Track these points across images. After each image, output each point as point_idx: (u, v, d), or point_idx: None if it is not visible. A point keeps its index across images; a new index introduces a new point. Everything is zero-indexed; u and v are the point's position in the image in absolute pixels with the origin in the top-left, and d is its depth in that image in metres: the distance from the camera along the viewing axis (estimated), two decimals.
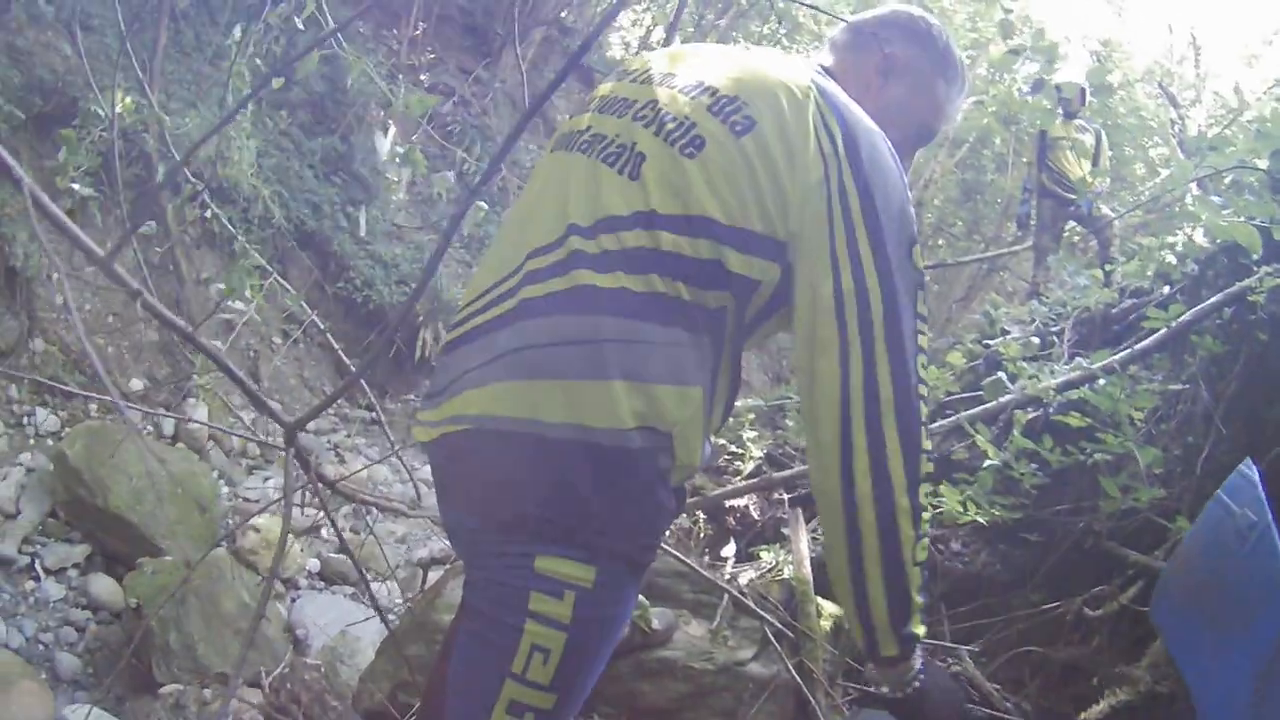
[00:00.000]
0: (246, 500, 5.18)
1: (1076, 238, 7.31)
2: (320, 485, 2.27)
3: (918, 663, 1.34)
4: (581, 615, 1.19)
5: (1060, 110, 6.39)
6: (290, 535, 4.61)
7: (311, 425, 6.17)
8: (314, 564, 4.94)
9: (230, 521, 4.83)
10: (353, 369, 3.19)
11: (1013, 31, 4.69)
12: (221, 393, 5.27)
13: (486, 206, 2.91)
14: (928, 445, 1.27)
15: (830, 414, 1.24)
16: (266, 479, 5.50)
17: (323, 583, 4.86)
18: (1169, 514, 2.41)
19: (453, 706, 1.28)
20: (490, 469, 1.25)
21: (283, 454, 2.17)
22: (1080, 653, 2.60)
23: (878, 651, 1.32)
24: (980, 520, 2.63)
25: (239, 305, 2.53)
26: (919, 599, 1.28)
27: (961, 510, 2.65)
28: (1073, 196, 6.08)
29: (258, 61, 3.80)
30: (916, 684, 1.35)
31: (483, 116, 9.09)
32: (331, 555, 5.00)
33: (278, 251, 6.35)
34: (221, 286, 2.46)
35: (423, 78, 8.43)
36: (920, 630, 1.31)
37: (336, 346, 2.88)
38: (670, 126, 1.32)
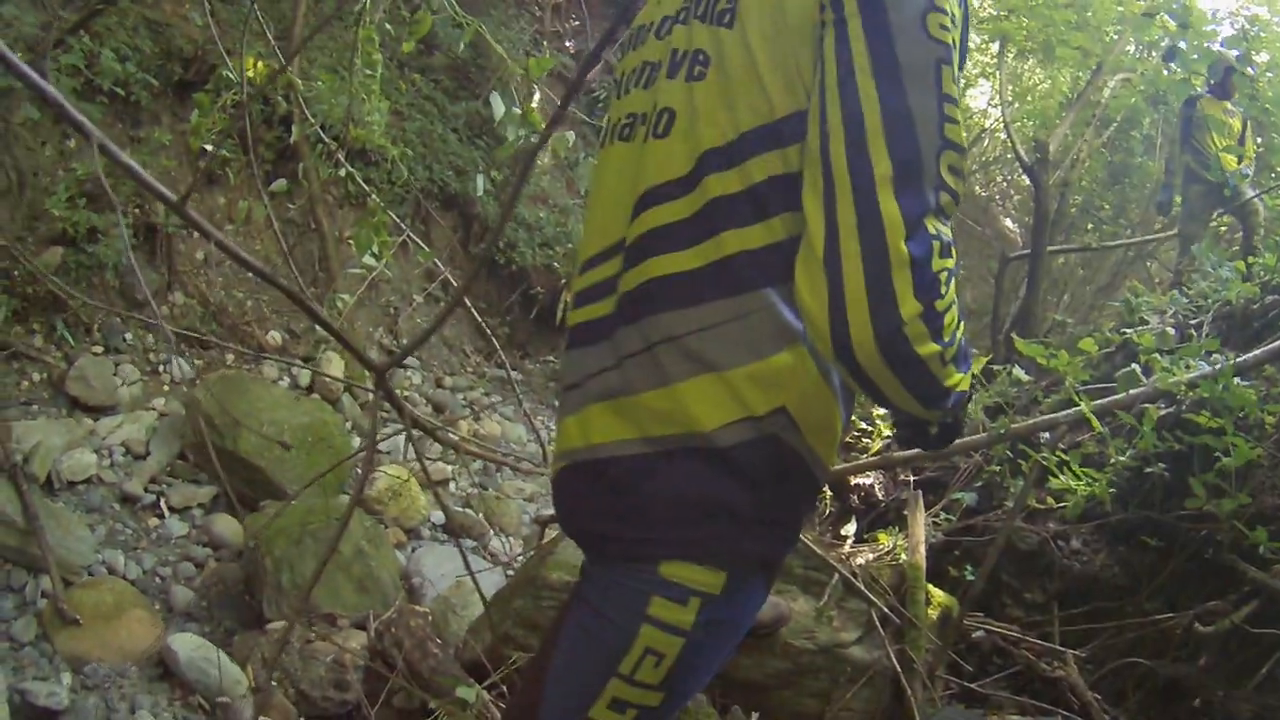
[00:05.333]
0: (378, 451, 5.18)
1: (1224, 227, 6.90)
2: (411, 422, 2.30)
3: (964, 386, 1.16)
4: (704, 620, 1.15)
5: (1206, 89, 6.00)
6: (419, 485, 4.78)
7: (449, 382, 6.33)
8: (438, 516, 5.03)
9: (358, 471, 4.91)
10: (487, 329, 3.20)
11: None
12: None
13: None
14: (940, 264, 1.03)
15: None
16: (399, 430, 5.50)
17: (445, 535, 4.95)
18: None
19: (550, 695, 1.26)
20: (591, 501, 1.22)
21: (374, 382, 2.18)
22: (1186, 670, 2.48)
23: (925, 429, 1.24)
24: (1101, 500, 2.48)
25: (370, 261, 2.61)
26: (956, 373, 1.08)
27: (1079, 494, 2.51)
28: (1218, 179, 5.70)
29: (388, 27, 3.91)
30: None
31: None
32: (456, 509, 5.08)
33: (421, 213, 6.48)
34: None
35: (568, 44, 8.51)
36: (959, 381, 1.10)
37: (470, 306, 2.94)
38: (683, 62, 1.21)
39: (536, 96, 6.37)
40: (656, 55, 1.27)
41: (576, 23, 8.92)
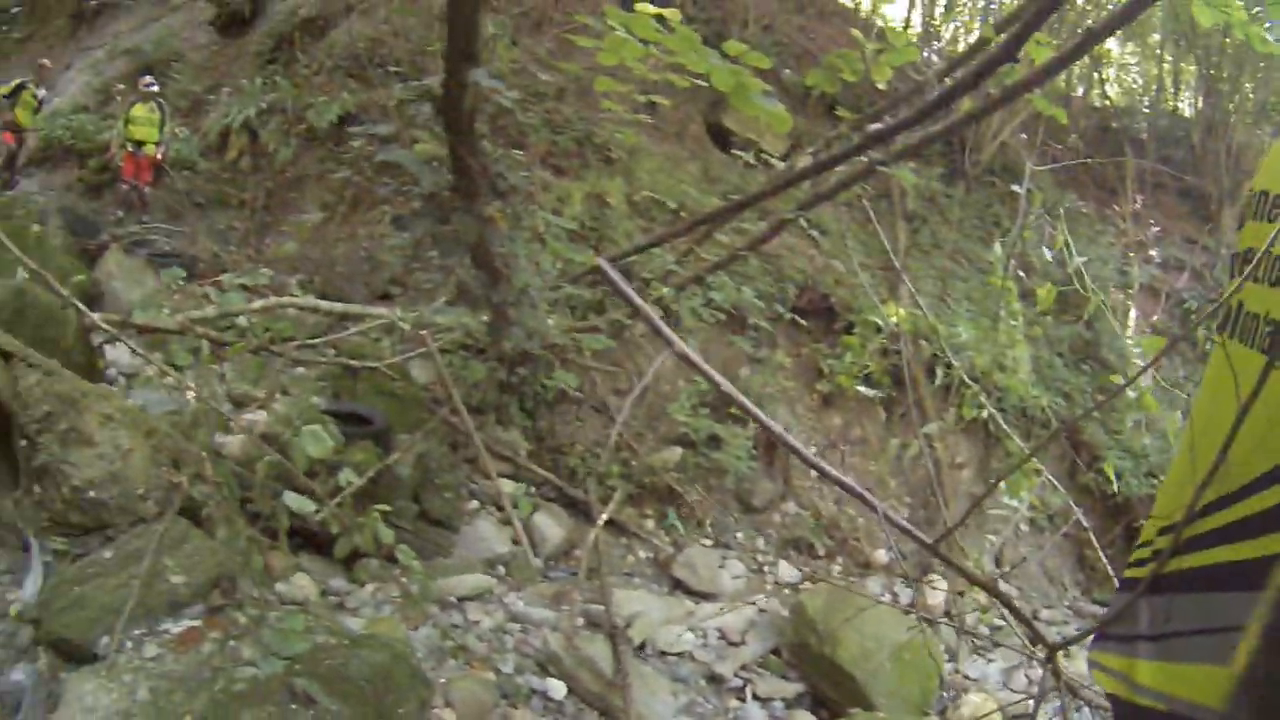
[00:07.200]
0: (966, 678, 5.33)
1: None
2: (1073, 699, 2.29)
3: None
4: None
5: None
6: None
7: (1044, 614, 6.12)
8: None
9: (945, 695, 4.97)
10: (1104, 559, 3.10)
11: None
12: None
13: None
14: None
15: None
16: (990, 661, 5.58)
17: None
18: None
19: None
20: None
21: (1042, 658, 2.21)
22: None
23: None
24: None
25: (1011, 503, 2.76)
26: None
27: None
28: None
29: (1019, 274, 4.17)
30: None
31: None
32: None
33: (1028, 439, 6.51)
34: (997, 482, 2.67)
35: (1152, 253, 8.24)
36: None
37: (1096, 542, 2.93)
38: None
39: (1134, 315, 6.13)
40: None
41: (1157, 229, 8.52)
